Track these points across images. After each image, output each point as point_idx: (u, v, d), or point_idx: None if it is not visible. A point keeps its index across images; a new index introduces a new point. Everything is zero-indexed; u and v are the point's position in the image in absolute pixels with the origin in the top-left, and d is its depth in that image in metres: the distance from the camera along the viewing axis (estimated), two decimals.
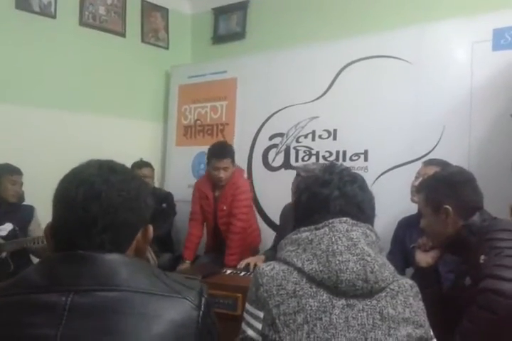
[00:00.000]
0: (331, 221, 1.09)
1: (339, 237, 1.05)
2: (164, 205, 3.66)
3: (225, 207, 3.13)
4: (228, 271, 2.63)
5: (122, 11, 4.05)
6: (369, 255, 1.03)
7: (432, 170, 2.29)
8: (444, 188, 1.63)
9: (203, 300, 0.86)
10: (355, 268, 1.00)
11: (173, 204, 3.75)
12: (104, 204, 0.84)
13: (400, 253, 2.40)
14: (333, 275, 1.00)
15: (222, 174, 3.07)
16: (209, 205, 3.23)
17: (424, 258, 1.80)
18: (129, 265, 0.84)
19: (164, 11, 4.44)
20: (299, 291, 1.00)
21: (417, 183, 2.37)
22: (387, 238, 2.45)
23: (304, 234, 1.09)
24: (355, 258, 1.02)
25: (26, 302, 0.79)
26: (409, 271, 2.37)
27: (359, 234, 1.07)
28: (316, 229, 1.09)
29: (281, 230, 2.84)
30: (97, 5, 3.86)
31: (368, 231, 1.09)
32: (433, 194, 1.65)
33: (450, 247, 1.68)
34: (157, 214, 3.54)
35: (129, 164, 3.47)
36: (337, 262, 1.01)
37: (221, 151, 3.10)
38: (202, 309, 0.85)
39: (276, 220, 3.15)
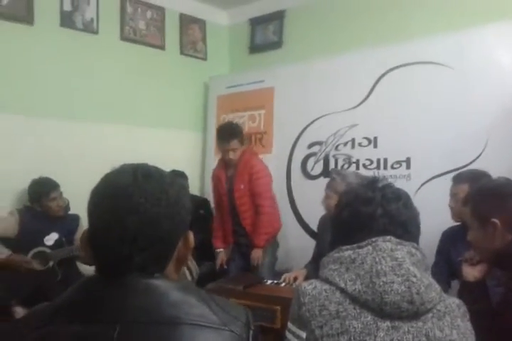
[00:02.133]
0: (374, 239, 1.07)
1: (383, 257, 1.03)
2: (202, 211, 3.68)
3: (242, 186, 3.12)
4: (269, 282, 2.62)
5: (161, 24, 4.14)
6: (414, 276, 1.00)
7: (462, 189, 2.23)
8: (491, 201, 1.57)
9: (251, 332, 0.82)
10: (400, 290, 0.98)
11: (210, 210, 3.78)
12: (143, 218, 0.78)
13: (446, 264, 2.34)
14: (377, 297, 0.98)
15: (232, 155, 3.11)
16: (222, 187, 3.24)
17: (471, 273, 1.74)
18: (177, 291, 0.79)
19: (202, 23, 4.51)
20: (342, 312, 0.99)
21: (452, 204, 2.31)
22: (431, 247, 2.39)
23: (347, 252, 1.07)
24: (400, 279, 0.99)
25: (71, 333, 0.75)
26: (455, 283, 2.31)
27: (404, 254, 1.04)
28: (359, 247, 1.07)
29: (320, 242, 2.82)
30: (137, 20, 3.97)
31: (413, 250, 1.07)
32: (479, 207, 1.60)
33: (498, 262, 1.62)
34: (195, 221, 3.60)
35: None
36: (381, 283, 0.99)
37: (227, 133, 3.12)
38: None
39: (315, 228, 3.13)
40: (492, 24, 2.91)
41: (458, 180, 2.34)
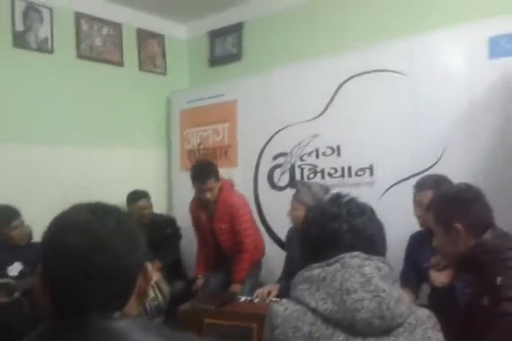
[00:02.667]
0: (342, 256, 1.07)
1: (352, 274, 1.03)
2: (169, 230, 3.65)
3: (223, 226, 3.12)
4: (242, 299, 2.60)
5: (118, 40, 4.10)
6: (383, 291, 1.01)
7: (425, 196, 2.26)
8: (453, 206, 1.61)
9: None
10: (370, 307, 0.99)
11: (176, 228, 3.75)
12: (108, 252, 0.79)
13: (414, 269, 2.37)
14: (348, 315, 0.98)
15: (209, 195, 3.06)
16: (204, 226, 3.24)
17: (438, 278, 1.77)
18: (138, 332, 0.78)
19: (160, 38, 4.49)
20: (315, 333, 0.99)
21: (418, 212, 2.35)
22: (398, 252, 2.42)
23: (316, 271, 1.07)
24: (369, 295, 1.00)
25: None
26: (425, 286, 2.35)
27: (372, 269, 1.05)
28: (328, 265, 1.07)
29: (289, 254, 2.82)
30: (93, 37, 3.91)
31: (381, 264, 1.08)
32: (442, 213, 1.63)
33: (464, 266, 1.66)
34: (163, 241, 3.57)
35: None
36: (352, 301, 0.99)
37: (201, 173, 3.08)
38: None
39: (284, 239, 3.14)
40: (443, 30, 2.98)
41: (420, 187, 2.35)
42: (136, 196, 3.57)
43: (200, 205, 3.22)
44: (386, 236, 1.17)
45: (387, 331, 1.00)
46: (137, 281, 0.85)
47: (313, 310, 1.01)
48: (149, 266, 0.88)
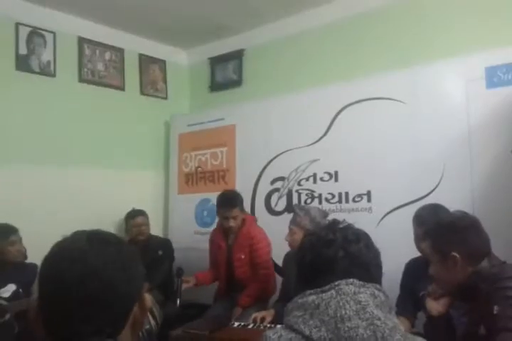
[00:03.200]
0: (336, 283, 1.06)
1: (347, 301, 1.02)
2: (160, 252, 3.63)
3: (243, 256, 3.14)
4: (236, 324, 2.56)
5: (120, 65, 4.17)
6: (379, 319, 1.00)
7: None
8: (449, 235, 1.60)
9: None
10: (365, 335, 0.97)
11: (170, 250, 3.72)
12: (103, 280, 0.79)
13: (410, 297, 2.35)
14: None
15: (232, 223, 3.11)
16: (222, 254, 3.24)
17: (435, 307, 1.76)
18: None
19: (162, 63, 4.56)
20: None
21: (419, 244, 2.34)
22: (394, 279, 2.40)
23: (310, 297, 1.06)
24: (364, 323, 0.99)
25: None
26: (421, 314, 2.32)
27: (367, 296, 1.04)
28: (322, 291, 1.06)
29: (286, 279, 2.80)
30: (96, 61, 3.98)
31: (376, 292, 1.06)
32: (439, 242, 1.63)
33: (460, 295, 1.64)
34: (154, 263, 3.53)
35: None
36: (346, 329, 0.98)
37: (228, 201, 3.14)
38: None
39: (281, 264, 3.11)
40: (441, 60, 3.05)
41: (420, 222, 2.34)
42: (135, 213, 3.68)
43: (222, 234, 3.26)
44: (382, 263, 1.16)
45: None
46: (133, 311, 0.84)
47: (307, 338, 1.00)
48: (147, 296, 0.88)
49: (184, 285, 3.04)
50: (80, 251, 0.81)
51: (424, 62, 3.13)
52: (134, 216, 3.65)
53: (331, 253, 1.11)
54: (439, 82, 3.04)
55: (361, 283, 1.07)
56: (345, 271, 1.09)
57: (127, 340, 0.84)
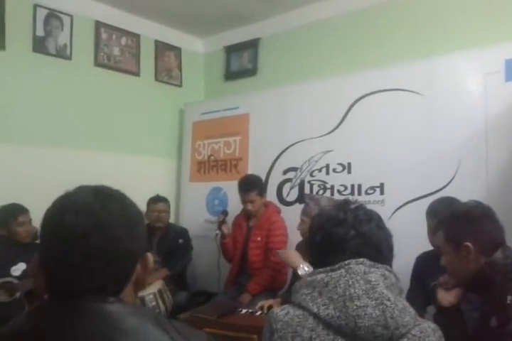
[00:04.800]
0: (347, 262, 1.04)
1: (356, 280, 1.00)
2: (181, 241, 3.63)
3: (259, 239, 3.18)
4: (244, 311, 2.56)
5: (136, 51, 4.16)
6: (388, 299, 0.98)
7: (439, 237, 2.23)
8: (463, 225, 1.57)
9: None
10: (374, 314, 0.95)
11: (189, 239, 3.74)
12: (107, 234, 0.77)
13: (421, 290, 2.32)
14: (350, 322, 0.95)
15: (250, 206, 3.21)
16: (241, 234, 3.31)
17: (446, 298, 1.72)
18: (133, 317, 0.76)
19: (177, 51, 4.54)
20: (315, 339, 0.96)
21: (430, 237, 2.31)
22: (406, 272, 2.38)
23: (320, 275, 1.04)
24: (373, 303, 0.97)
25: None
26: (431, 308, 2.28)
27: (377, 277, 1.02)
28: (332, 270, 1.04)
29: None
30: (112, 46, 3.97)
31: (387, 273, 1.04)
32: (452, 231, 1.59)
33: (473, 285, 1.61)
34: (174, 251, 3.57)
35: (144, 201, 3.55)
36: (354, 307, 0.96)
37: (245, 185, 3.23)
38: None
39: None
40: (460, 52, 3.00)
41: (434, 213, 2.31)
42: (158, 199, 3.67)
43: (245, 217, 3.36)
44: (393, 245, 1.14)
45: (390, 340, 0.96)
46: (136, 269, 0.83)
47: (315, 315, 0.98)
48: (149, 255, 0.87)
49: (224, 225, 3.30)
50: (85, 204, 0.79)
51: (442, 53, 3.07)
52: (157, 201, 3.64)
53: (342, 232, 1.09)
54: (457, 74, 2.99)
55: (372, 263, 1.05)
56: (355, 251, 1.08)
57: (129, 299, 0.82)
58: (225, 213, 3.46)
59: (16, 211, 2.88)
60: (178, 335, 0.78)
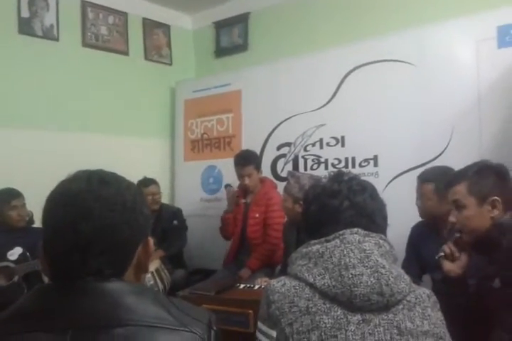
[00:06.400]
0: (341, 232, 1.05)
1: (351, 249, 1.01)
2: (175, 222, 3.64)
3: (257, 215, 3.19)
4: (242, 286, 2.59)
5: (124, 29, 4.08)
6: (383, 267, 0.99)
7: (428, 189, 2.23)
8: (493, 179, 1.53)
9: (212, 333, 0.81)
10: (369, 282, 0.97)
11: (183, 219, 3.73)
12: (97, 224, 0.76)
13: (416, 260, 2.35)
14: (346, 290, 0.96)
15: (247, 181, 3.20)
16: (239, 211, 3.31)
17: (453, 269, 1.69)
18: (132, 294, 0.77)
19: (166, 28, 4.47)
20: (312, 308, 0.97)
21: (419, 203, 2.30)
22: (401, 243, 2.40)
23: (315, 247, 1.05)
24: (368, 271, 0.98)
25: None
26: (426, 277, 2.32)
27: (372, 245, 1.03)
28: (327, 241, 1.06)
29: (287, 249, 2.79)
30: (99, 25, 3.89)
31: (381, 241, 1.06)
32: (480, 184, 1.54)
33: (478, 246, 1.59)
34: (169, 232, 3.57)
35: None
36: (350, 276, 0.97)
37: (242, 159, 3.23)
38: None
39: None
40: (451, 20, 2.95)
41: (423, 179, 2.31)
42: (148, 182, 3.58)
43: (243, 192, 3.35)
44: (387, 215, 1.15)
45: (386, 307, 0.97)
46: (137, 253, 0.83)
47: (311, 286, 1.00)
48: (151, 240, 0.86)
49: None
50: (77, 192, 0.79)
51: (433, 22, 3.03)
52: (148, 184, 3.54)
53: (336, 203, 1.10)
54: (449, 43, 2.95)
55: (366, 232, 1.06)
56: (350, 221, 1.08)
57: (132, 280, 0.84)
58: (230, 187, 3.45)
59: (9, 195, 2.86)
60: (177, 311, 0.79)
